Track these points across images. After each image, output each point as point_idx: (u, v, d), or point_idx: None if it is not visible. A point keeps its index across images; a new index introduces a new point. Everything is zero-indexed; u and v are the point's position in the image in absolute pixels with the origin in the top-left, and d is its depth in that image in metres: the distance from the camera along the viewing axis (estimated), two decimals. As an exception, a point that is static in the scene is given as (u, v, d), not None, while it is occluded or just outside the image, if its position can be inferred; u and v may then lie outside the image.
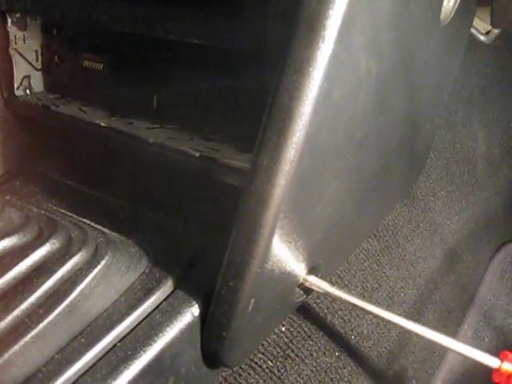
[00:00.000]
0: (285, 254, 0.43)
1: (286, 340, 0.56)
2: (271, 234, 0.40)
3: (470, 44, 0.74)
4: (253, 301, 0.43)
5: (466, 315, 0.90)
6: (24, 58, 0.65)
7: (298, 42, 0.35)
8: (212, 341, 0.46)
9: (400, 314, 0.63)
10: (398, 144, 0.54)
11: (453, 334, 0.86)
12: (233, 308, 0.43)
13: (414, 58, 0.48)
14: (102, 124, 0.58)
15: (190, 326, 0.45)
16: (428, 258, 0.78)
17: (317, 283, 0.48)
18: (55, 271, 0.43)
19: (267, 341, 0.55)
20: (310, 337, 0.58)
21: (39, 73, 0.67)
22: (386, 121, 0.48)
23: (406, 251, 0.73)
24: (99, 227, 0.50)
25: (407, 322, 0.46)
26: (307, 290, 0.50)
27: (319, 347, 0.59)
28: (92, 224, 0.51)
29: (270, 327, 0.53)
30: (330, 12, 0.35)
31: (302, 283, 0.49)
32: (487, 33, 0.74)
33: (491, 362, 0.41)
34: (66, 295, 0.43)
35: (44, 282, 0.42)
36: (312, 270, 0.49)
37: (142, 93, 0.59)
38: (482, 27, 0.73)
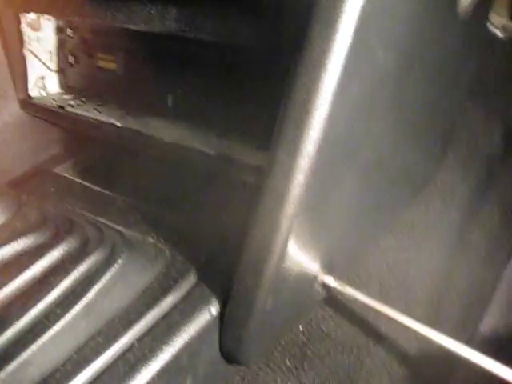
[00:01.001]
0: (302, 252, 0.43)
1: (304, 339, 0.56)
2: (289, 232, 0.39)
3: (486, 39, 0.74)
4: (271, 299, 0.42)
5: (484, 316, 0.88)
6: (38, 58, 0.65)
7: (314, 36, 0.34)
8: (230, 340, 0.45)
9: (417, 313, 0.63)
10: (414, 140, 0.54)
11: (471, 335, 0.85)
12: (251, 307, 0.42)
13: (431, 53, 0.48)
14: (118, 124, 0.58)
15: (207, 325, 0.45)
16: (446, 257, 0.77)
17: (334, 282, 0.48)
18: (72, 271, 0.43)
19: (285, 340, 0.55)
20: (327, 335, 0.57)
21: (53, 73, 0.67)
22: (403, 116, 0.47)
23: (423, 249, 0.72)
24: (115, 226, 0.50)
25: (422, 327, 0.45)
26: (325, 289, 0.49)
27: (337, 346, 0.58)
28: (108, 223, 0.50)
29: (287, 326, 0.52)
30: (347, 5, 0.34)
31: (320, 282, 0.48)
32: (504, 28, 0.73)
33: None
34: (83, 294, 0.43)
35: (61, 282, 0.42)
36: (330, 269, 0.49)
37: (156, 92, 0.59)
38: (498, 22, 0.73)
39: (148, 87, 0.60)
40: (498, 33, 0.69)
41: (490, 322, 0.89)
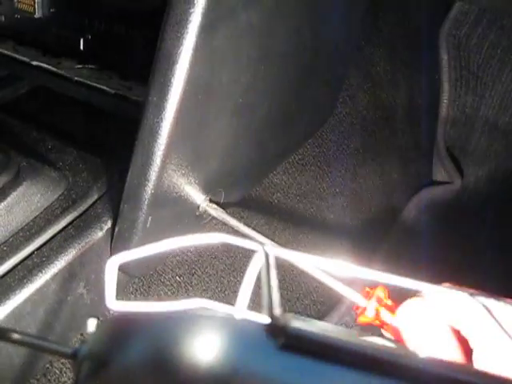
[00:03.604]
0: (180, 179, 0.51)
1: (194, 259, 0.64)
2: (163, 161, 0.47)
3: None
4: (150, 218, 0.50)
5: (373, 258, 0.96)
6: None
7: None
8: (118, 253, 0.53)
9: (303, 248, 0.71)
10: (294, 90, 0.61)
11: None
12: (133, 224, 0.50)
13: (304, 10, 0.55)
14: (33, 63, 0.64)
15: (99, 240, 0.53)
16: (337, 196, 0.85)
17: (214, 210, 0.56)
18: (-21, 189, 0.50)
19: (176, 259, 0.63)
20: (216, 257, 0.66)
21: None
22: (275, 67, 0.54)
23: (314, 187, 0.80)
24: (25, 155, 0.56)
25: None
26: (207, 216, 0.57)
27: (225, 266, 0.67)
28: (18, 152, 0.57)
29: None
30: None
31: (202, 209, 0.56)
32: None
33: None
34: (-10, 210, 0.50)
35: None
36: (212, 197, 0.57)
37: (70, 34, 0.65)
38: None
39: (63, 31, 0.66)
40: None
41: (382, 255, 0.98)
